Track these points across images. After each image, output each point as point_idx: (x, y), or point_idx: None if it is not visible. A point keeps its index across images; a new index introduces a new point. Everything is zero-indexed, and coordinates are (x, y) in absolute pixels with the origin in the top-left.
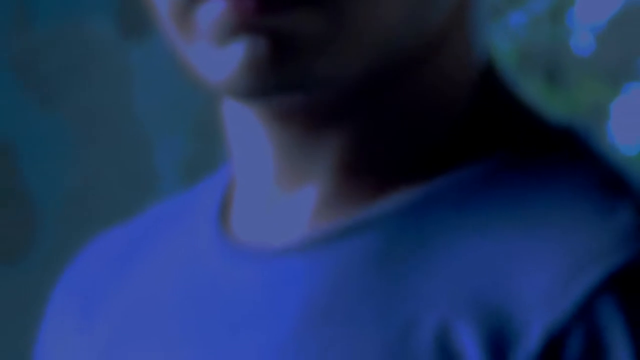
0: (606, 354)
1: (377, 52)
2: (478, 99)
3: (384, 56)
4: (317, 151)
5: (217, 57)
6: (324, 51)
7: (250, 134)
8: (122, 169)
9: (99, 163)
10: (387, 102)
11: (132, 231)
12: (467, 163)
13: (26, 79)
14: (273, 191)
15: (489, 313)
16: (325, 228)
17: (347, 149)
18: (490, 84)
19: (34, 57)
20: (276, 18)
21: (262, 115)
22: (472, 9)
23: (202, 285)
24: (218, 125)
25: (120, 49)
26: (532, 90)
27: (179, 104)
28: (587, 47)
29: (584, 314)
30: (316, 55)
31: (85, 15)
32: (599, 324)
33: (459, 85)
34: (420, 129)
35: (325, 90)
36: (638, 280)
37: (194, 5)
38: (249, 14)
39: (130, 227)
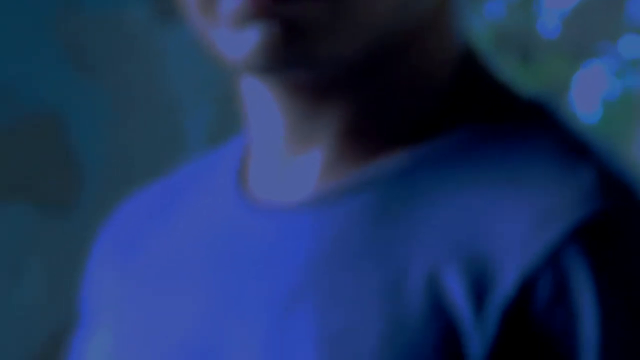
0: (571, 295)
1: (371, 36)
2: (459, 76)
3: (377, 39)
4: (320, 120)
5: (236, 39)
6: (327, 35)
7: (263, 105)
8: (156, 133)
9: (136, 128)
10: (380, 78)
11: (165, 187)
12: (449, 131)
13: (75, 56)
14: (283, 155)
15: (471, 260)
16: (329, 187)
17: (346, 119)
18: (469, 63)
19: (82, 37)
20: (287, 7)
21: (274, 89)
22: None
23: (222, 236)
24: (237, 96)
25: (156, 31)
26: (508, 67)
27: (204, 79)
28: (554, 30)
29: (552, 261)
30: (320, 38)
31: (127, 2)
32: (565, 269)
33: (442, 64)
34: (409, 101)
35: (328, 67)
36: (599, 231)
37: None
38: (265, 4)
39: (163, 183)
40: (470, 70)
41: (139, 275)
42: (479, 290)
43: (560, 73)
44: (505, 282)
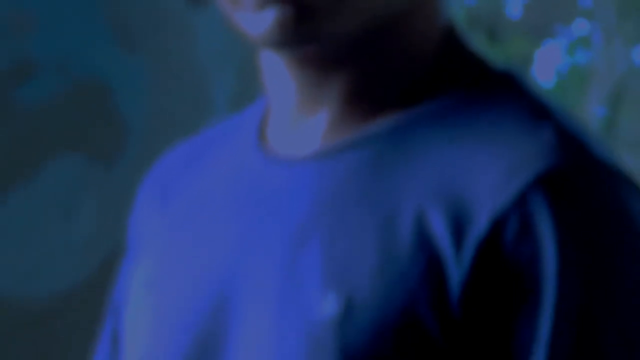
0: (535, 232)
1: (368, 17)
2: (442, 50)
3: (373, 20)
4: (325, 87)
5: (256, 19)
6: (330, 16)
7: (278, 74)
8: (188, 97)
9: (171, 92)
10: (375, 52)
11: (197, 143)
12: (434, 97)
13: (119, 32)
14: (295, 116)
15: (452, 203)
16: (332, 143)
17: (347, 86)
18: (451, 40)
19: (125, 16)
20: None
21: (287, 61)
22: None
23: (244, 182)
24: (257, 67)
25: (188, 10)
26: (478, 45)
27: (229, 52)
28: (517, 13)
29: (519, 204)
30: (325, 19)
31: None
32: (529, 211)
33: (428, 40)
34: (401, 71)
35: (331, 43)
36: (558, 180)
37: None
38: None
39: (195, 140)
40: (452, 45)
41: (174, 214)
42: (458, 228)
43: (523, 50)
44: (480, 222)
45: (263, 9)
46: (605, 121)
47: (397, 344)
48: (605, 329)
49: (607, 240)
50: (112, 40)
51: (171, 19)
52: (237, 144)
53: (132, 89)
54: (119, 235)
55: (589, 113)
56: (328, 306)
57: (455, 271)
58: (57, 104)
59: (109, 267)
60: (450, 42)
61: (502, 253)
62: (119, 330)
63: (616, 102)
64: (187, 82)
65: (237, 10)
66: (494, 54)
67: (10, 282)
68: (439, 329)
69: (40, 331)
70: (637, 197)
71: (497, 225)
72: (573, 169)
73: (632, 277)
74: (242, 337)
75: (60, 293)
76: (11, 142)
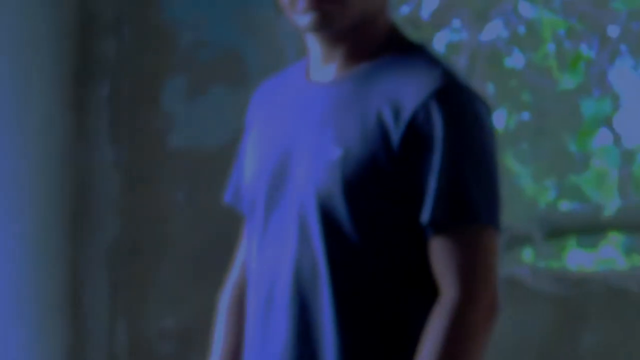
0: (432, 118)
1: (357, 17)
2: (390, 33)
3: (359, 19)
4: (335, 50)
5: (302, 18)
6: (338, 18)
7: (314, 44)
8: (275, 55)
9: (271, 52)
10: (359, 33)
11: (277, 77)
12: (385, 56)
13: (242, 13)
14: (321, 65)
15: (394, 105)
16: (337, 77)
17: (345, 50)
18: (394, 28)
19: None
20: (322, 4)
21: (317, 37)
22: None
23: (297, 95)
24: (305, 40)
25: (277, 16)
26: (406, 31)
27: (297, 35)
28: (427, 15)
29: (424, 105)
30: (335, 19)
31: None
32: (429, 109)
33: (383, 28)
34: (370, 43)
35: (338, 29)
36: (444, 93)
37: (295, 1)
38: (314, 4)
39: (277, 75)
40: (394, 31)
41: (267, 109)
42: (396, 116)
43: (430, 36)
44: (406, 113)
45: (306, 13)
46: None
47: (368, 170)
48: (465, 165)
49: (467, 123)
50: (240, 19)
51: (265, 26)
52: (296, 78)
53: (256, 52)
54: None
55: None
56: (336, 154)
57: (395, 136)
58: (202, 70)
59: (235, 144)
60: (393, 30)
61: (416, 128)
62: (240, 168)
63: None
64: (277, 49)
65: (293, 14)
66: (415, 36)
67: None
68: (387, 161)
69: None
70: (483, 104)
71: (414, 115)
72: (450, 88)
73: (477, 142)
74: (296, 165)
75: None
76: None
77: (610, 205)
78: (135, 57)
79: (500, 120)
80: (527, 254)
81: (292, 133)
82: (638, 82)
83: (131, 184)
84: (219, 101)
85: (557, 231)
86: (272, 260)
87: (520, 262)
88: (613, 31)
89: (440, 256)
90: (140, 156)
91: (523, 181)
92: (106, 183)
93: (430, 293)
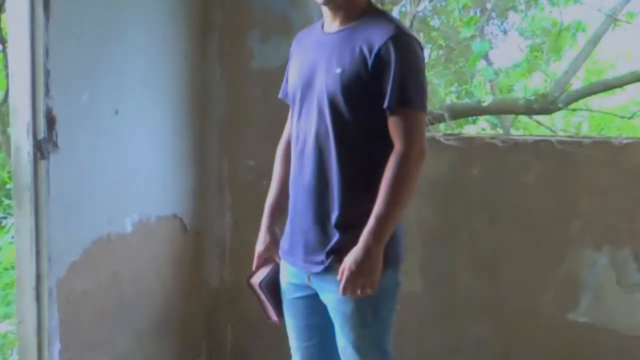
0: (390, 51)
1: None
2: (367, 5)
3: None
4: (337, 15)
5: (318, 2)
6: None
7: (326, 11)
8: (302, 19)
9: (304, 19)
10: (349, 6)
11: (307, 29)
12: (364, 18)
13: None
14: (330, 23)
15: (368, 45)
16: (339, 29)
17: (342, 14)
18: (370, 2)
19: None
20: None
21: (327, 8)
22: None
23: (317, 40)
24: (320, 9)
25: None
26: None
27: (314, 6)
28: None
29: (385, 44)
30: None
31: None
32: (389, 46)
33: (363, 2)
34: (357, 10)
35: (338, 4)
36: (396, 37)
37: None
38: None
39: (308, 28)
40: (370, 4)
41: (302, 46)
42: (370, 51)
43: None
44: (375, 49)
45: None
46: None
47: (355, 80)
48: (407, 76)
49: (409, 54)
50: None
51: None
52: (316, 30)
53: (298, 18)
54: (288, 54)
55: None
56: (338, 71)
57: (369, 61)
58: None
59: (286, 62)
60: (369, 3)
61: (381, 56)
62: (286, 79)
63: None
64: (307, 15)
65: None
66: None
67: None
68: (365, 75)
69: None
70: (418, 44)
71: (379, 49)
72: (400, 35)
73: (413, 64)
74: (317, 77)
75: None
76: None
77: (486, 100)
78: (232, 19)
79: (426, 53)
80: (442, 127)
81: (314, 59)
82: (497, 34)
83: (229, 87)
84: (277, 43)
85: (457, 114)
86: (304, 128)
87: (437, 130)
88: (489, 4)
89: (394, 126)
90: (235, 72)
91: (438, 87)
92: (216, 86)
93: (389, 148)
